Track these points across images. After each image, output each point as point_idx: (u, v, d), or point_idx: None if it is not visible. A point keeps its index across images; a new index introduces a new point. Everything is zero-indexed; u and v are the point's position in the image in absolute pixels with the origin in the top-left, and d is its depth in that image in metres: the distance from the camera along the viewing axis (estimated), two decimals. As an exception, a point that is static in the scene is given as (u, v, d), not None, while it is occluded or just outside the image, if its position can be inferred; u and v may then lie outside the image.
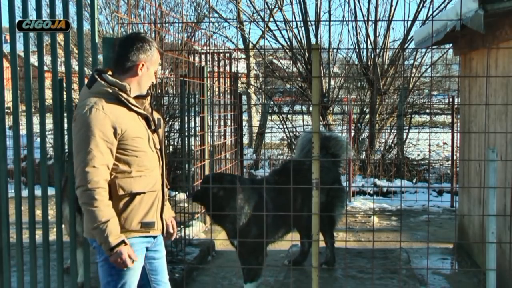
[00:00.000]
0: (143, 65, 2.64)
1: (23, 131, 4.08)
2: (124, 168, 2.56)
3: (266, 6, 11.52)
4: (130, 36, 2.74)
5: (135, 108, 2.62)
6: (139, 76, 2.65)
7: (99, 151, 2.46)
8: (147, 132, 2.67)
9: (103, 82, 2.58)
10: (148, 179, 2.64)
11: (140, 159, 2.60)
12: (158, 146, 2.74)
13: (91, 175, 2.44)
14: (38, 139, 3.76)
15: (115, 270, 2.58)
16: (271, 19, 11.25)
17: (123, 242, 2.48)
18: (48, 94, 3.94)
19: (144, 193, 2.61)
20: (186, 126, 6.12)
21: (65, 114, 3.62)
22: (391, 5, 9.88)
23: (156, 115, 2.80)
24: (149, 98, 2.77)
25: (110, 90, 2.56)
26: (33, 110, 3.73)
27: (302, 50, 10.15)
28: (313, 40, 10.09)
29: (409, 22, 9.69)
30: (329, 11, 10.15)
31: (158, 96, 7.55)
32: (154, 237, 2.74)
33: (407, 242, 6.09)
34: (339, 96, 11.00)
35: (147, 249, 2.73)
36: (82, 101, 2.56)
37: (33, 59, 3.84)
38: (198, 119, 6.61)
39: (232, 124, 8.32)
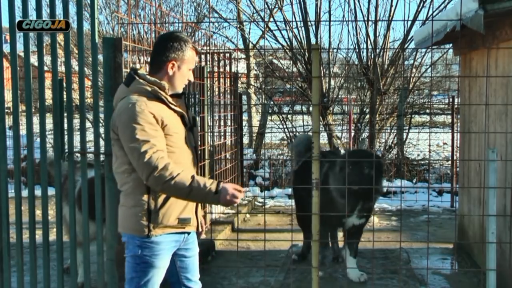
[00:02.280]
0: (173, 64, 2.68)
1: (23, 131, 4.09)
2: None
3: (266, 6, 11.50)
4: (163, 35, 2.80)
5: (172, 106, 2.67)
6: (170, 75, 2.69)
7: (154, 140, 2.51)
8: (184, 130, 2.72)
9: (142, 80, 2.64)
10: None
11: (177, 155, 2.65)
12: (193, 144, 2.79)
13: (153, 159, 2.47)
14: (38, 139, 3.76)
15: (140, 267, 2.64)
16: (271, 19, 11.24)
17: (219, 182, 2.57)
18: (48, 94, 3.94)
19: None
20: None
21: (65, 114, 3.62)
22: (391, 5, 9.87)
23: (191, 114, 2.85)
24: (183, 97, 2.82)
25: (150, 89, 2.61)
26: (33, 110, 3.73)
27: (302, 50, 10.13)
28: (313, 40, 10.08)
29: (409, 22, 9.67)
30: (329, 11, 10.13)
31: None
32: (188, 233, 2.79)
33: (407, 242, 6.09)
34: (339, 96, 10.98)
35: (178, 247, 2.78)
36: (122, 100, 2.62)
37: (33, 59, 3.84)
38: (198, 119, 6.60)
39: (232, 124, 8.31)
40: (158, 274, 2.68)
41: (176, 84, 2.72)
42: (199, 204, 2.83)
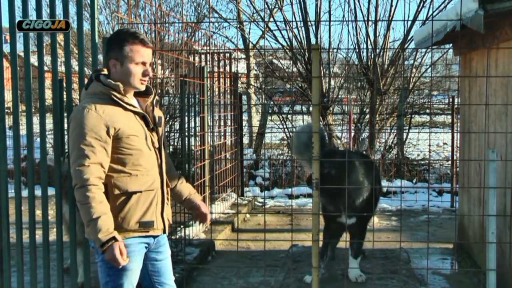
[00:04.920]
0: (114, 63, 2.63)
1: (23, 131, 4.08)
2: (118, 167, 2.58)
3: (266, 6, 11.51)
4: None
5: (130, 108, 2.63)
6: (115, 74, 2.64)
7: (91, 150, 2.48)
8: (144, 131, 2.67)
9: (98, 83, 2.62)
10: (144, 178, 2.64)
11: (135, 157, 2.60)
12: (156, 145, 2.73)
13: (83, 173, 2.47)
14: (38, 139, 3.76)
15: (113, 271, 2.58)
16: (271, 19, 11.25)
17: (113, 238, 2.46)
18: (48, 94, 3.94)
19: (140, 192, 2.61)
20: (186, 126, 6.11)
21: (65, 114, 3.62)
22: (391, 5, 9.88)
23: (157, 113, 2.80)
24: (152, 96, 2.78)
25: (104, 91, 2.59)
26: (33, 110, 3.73)
27: (302, 50, 10.14)
28: (313, 40, 10.09)
29: (409, 22, 9.68)
30: (329, 11, 10.14)
31: (158, 96, 7.55)
32: (155, 237, 2.73)
33: (407, 242, 6.09)
34: (339, 96, 10.99)
35: (148, 250, 2.73)
36: (79, 103, 2.64)
37: (33, 59, 3.84)
38: (198, 119, 6.60)
39: (232, 124, 8.32)
40: (131, 276, 2.64)
41: (127, 81, 2.64)
42: (166, 206, 2.79)
